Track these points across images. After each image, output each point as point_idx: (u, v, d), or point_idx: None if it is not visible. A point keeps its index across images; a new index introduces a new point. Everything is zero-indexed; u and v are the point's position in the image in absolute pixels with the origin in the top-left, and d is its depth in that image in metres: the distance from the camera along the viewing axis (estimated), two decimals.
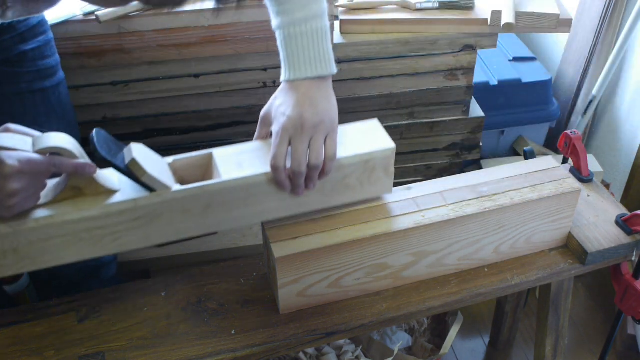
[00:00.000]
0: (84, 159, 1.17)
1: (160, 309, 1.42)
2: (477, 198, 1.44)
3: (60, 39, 1.67)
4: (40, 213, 1.17)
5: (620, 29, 2.27)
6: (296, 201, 1.34)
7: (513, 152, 2.51)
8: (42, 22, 1.50)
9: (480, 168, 2.26)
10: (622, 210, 1.61)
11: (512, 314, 2.08)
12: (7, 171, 1.06)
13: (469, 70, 2.12)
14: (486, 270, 1.51)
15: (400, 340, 2.06)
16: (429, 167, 2.30)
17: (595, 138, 2.50)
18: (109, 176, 1.23)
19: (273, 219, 1.36)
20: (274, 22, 1.26)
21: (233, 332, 1.37)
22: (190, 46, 1.88)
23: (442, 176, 2.24)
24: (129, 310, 1.41)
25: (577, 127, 2.41)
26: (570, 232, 1.55)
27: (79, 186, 1.20)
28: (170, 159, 1.30)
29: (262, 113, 1.33)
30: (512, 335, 2.18)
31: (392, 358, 1.91)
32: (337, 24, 2.01)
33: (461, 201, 1.44)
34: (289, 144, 1.22)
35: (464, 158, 2.30)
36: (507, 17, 1.94)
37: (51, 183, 1.22)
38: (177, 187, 1.23)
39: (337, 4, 2.02)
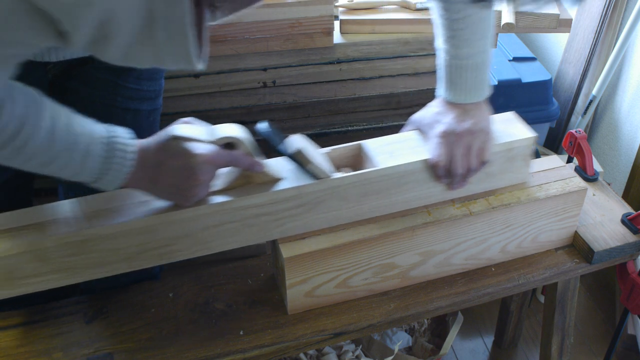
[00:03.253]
0: (254, 151, 1.26)
1: (168, 310, 1.41)
2: (484, 197, 1.44)
3: None
4: (214, 200, 1.24)
5: (620, 29, 2.27)
6: (442, 188, 1.42)
7: None
8: None
9: None
10: (628, 209, 1.61)
11: (517, 313, 2.08)
12: (198, 161, 1.15)
13: None
14: (493, 269, 1.51)
15: (400, 340, 2.05)
16: None
17: (595, 138, 2.51)
18: (274, 165, 1.31)
19: (421, 205, 1.43)
20: (441, 44, 1.34)
21: (241, 332, 1.36)
22: None
23: None
24: (136, 312, 1.41)
25: (577, 127, 2.42)
26: (576, 231, 1.55)
27: (249, 175, 1.28)
28: (325, 150, 1.38)
29: (415, 117, 1.44)
30: (517, 334, 2.18)
31: (392, 358, 1.91)
32: (337, 24, 2.01)
33: (468, 200, 1.43)
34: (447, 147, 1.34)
35: None
36: (507, 17, 1.95)
37: (224, 171, 1.29)
38: (337, 175, 1.31)
39: (337, 4, 2.02)
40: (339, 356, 1.99)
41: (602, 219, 1.59)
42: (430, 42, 2.01)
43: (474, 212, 1.40)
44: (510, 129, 1.44)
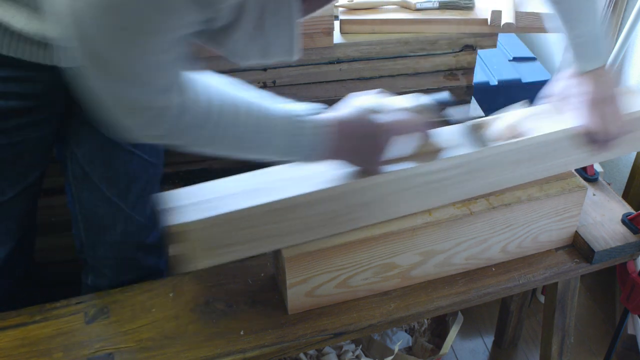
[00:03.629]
0: (432, 119, 1.33)
1: (169, 310, 1.41)
2: (485, 197, 1.44)
3: None
4: (392, 167, 1.31)
5: (620, 29, 2.27)
6: (585, 155, 1.47)
7: None
8: None
9: None
10: (628, 209, 1.61)
11: (517, 313, 2.09)
12: (391, 129, 1.25)
13: (469, 70, 2.12)
14: (493, 269, 1.51)
15: (400, 340, 2.05)
16: None
17: None
18: (444, 134, 1.38)
19: (565, 171, 1.50)
20: (559, 28, 1.43)
21: (242, 332, 1.36)
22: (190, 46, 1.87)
23: None
24: (137, 312, 1.41)
25: None
26: (576, 231, 1.55)
27: (426, 143, 1.34)
28: (480, 121, 1.44)
29: (546, 91, 1.52)
30: (517, 334, 2.18)
31: (392, 358, 1.91)
32: (337, 24, 2.01)
33: (469, 200, 1.43)
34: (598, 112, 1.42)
35: None
36: (507, 17, 1.94)
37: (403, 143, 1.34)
38: (499, 143, 1.38)
39: (337, 4, 2.01)
40: (339, 356, 1.99)
41: (602, 219, 1.59)
42: (431, 42, 2.02)
43: (474, 212, 1.40)
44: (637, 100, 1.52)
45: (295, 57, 1.10)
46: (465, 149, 1.35)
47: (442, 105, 1.34)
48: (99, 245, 1.52)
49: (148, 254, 1.57)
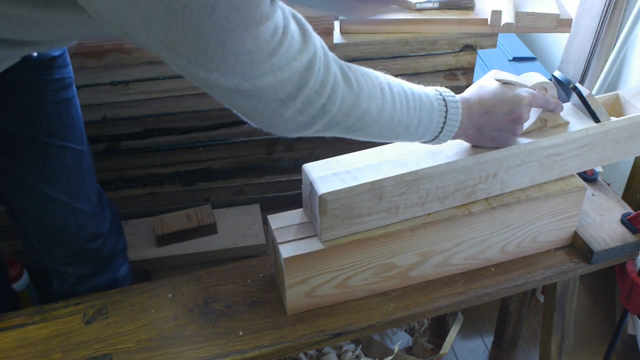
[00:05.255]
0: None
1: (167, 311, 1.41)
2: (484, 197, 1.44)
3: None
4: (520, 141, 1.38)
5: (620, 29, 2.27)
6: None
7: None
8: None
9: None
10: (627, 209, 1.61)
11: (516, 313, 2.08)
12: (524, 102, 1.30)
13: (469, 70, 2.12)
14: (492, 269, 1.51)
15: (400, 340, 2.05)
16: None
17: None
18: (565, 109, 1.44)
19: None
20: None
21: (241, 333, 1.36)
22: None
23: None
24: (135, 312, 1.41)
25: None
26: (575, 231, 1.55)
27: (545, 118, 1.41)
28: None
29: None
30: (517, 334, 2.18)
31: (392, 358, 1.90)
32: (337, 24, 2.01)
33: (468, 200, 1.43)
34: None
35: None
36: (507, 17, 1.94)
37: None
38: (614, 118, 1.46)
39: None
40: (338, 356, 1.99)
41: (602, 219, 1.59)
42: (431, 42, 2.02)
43: (473, 212, 1.40)
44: None
45: None
46: (586, 124, 1.43)
47: (565, 83, 1.42)
48: (56, 248, 1.53)
49: (105, 240, 1.59)
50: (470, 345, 2.27)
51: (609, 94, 1.58)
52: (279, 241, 1.33)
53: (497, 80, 1.32)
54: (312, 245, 1.33)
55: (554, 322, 1.69)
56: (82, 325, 1.38)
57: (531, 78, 1.37)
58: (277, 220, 1.38)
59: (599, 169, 2.15)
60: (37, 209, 1.47)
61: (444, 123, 1.24)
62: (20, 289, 1.95)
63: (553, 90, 1.40)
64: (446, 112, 1.23)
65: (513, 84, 1.32)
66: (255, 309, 1.41)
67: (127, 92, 1.93)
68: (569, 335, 1.73)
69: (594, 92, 2.31)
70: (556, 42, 2.68)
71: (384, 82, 1.15)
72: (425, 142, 1.29)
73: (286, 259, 1.30)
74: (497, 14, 1.95)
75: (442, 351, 1.92)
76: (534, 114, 1.40)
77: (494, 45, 2.06)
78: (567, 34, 2.47)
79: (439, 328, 2.09)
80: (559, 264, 1.52)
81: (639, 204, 2.15)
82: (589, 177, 1.66)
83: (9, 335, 1.36)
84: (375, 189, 1.29)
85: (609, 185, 1.71)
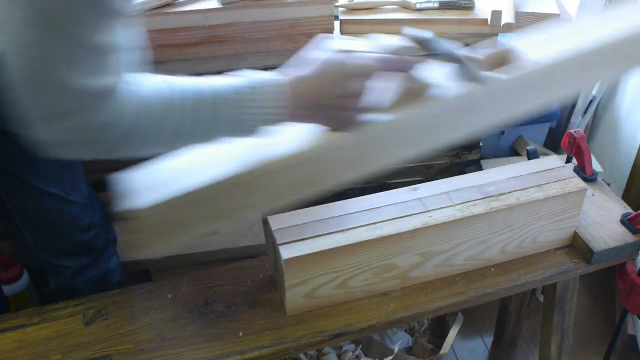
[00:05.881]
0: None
1: (167, 311, 1.41)
2: (484, 198, 1.44)
3: None
4: (380, 117, 1.18)
5: None
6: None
7: (513, 152, 2.50)
8: None
9: (481, 168, 2.26)
10: (627, 209, 1.61)
11: (516, 313, 2.08)
12: (366, 71, 1.10)
13: None
14: (492, 270, 1.51)
15: (400, 340, 2.05)
16: (429, 167, 2.30)
17: (595, 138, 2.51)
18: (433, 76, 1.23)
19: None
20: None
21: (240, 334, 1.36)
22: (190, 46, 1.87)
23: (442, 176, 2.25)
24: (135, 313, 1.41)
25: (577, 127, 2.41)
26: (575, 232, 1.55)
27: (410, 87, 1.20)
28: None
29: None
30: (516, 334, 2.18)
31: (392, 358, 1.90)
32: (337, 24, 2.01)
33: (468, 201, 1.43)
34: None
35: (464, 158, 2.29)
36: (507, 17, 1.94)
37: (382, 87, 1.20)
38: (501, 76, 1.24)
39: (337, 4, 2.02)
40: (338, 356, 1.99)
41: (602, 219, 1.59)
42: None
43: (473, 213, 1.40)
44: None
45: None
46: (458, 87, 1.22)
47: (424, 41, 1.17)
48: (52, 242, 1.55)
49: (98, 231, 1.61)
50: (470, 345, 2.27)
51: (499, 48, 1.32)
52: (279, 242, 1.33)
53: (339, 47, 1.12)
54: (312, 246, 1.33)
55: (553, 322, 1.70)
56: (81, 326, 1.38)
57: (382, 42, 1.17)
58: (277, 221, 1.38)
59: (599, 169, 2.15)
60: (33, 205, 1.48)
61: (260, 111, 1.07)
62: (20, 289, 1.95)
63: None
64: (262, 99, 1.06)
65: (351, 52, 1.12)
66: (255, 310, 1.41)
67: None
68: (569, 335, 1.73)
69: (594, 92, 2.31)
70: None
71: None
72: (247, 137, 1.10)
73: (286, 260, 1.30)
74: (497, 14, 1.95)
75: (442, 351, 1.92)
76: (395, 84, 1.20)
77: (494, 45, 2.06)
78: None
79: (439, 328, 2.09)
80: (559, 264, 1.52)
81: (639, 204, 2.15)
82: (589, 177, 1.66)
83: (8, 337, 1.35)
84: (200, 196, 1.13)
85: (609, 185, 1.71)
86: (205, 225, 1.17)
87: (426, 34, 1.17)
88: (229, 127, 1.07)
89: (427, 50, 1.17)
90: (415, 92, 1.21)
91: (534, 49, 1.30)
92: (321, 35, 1.17)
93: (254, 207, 1.19)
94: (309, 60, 1.12)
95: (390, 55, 1.14)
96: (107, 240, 1.67)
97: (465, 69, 1.20)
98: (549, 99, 1.37)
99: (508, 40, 1.33)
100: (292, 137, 1.17)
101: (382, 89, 1.17)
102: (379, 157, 1.24)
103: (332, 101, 1.11)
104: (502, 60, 1.27)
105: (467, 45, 1.99)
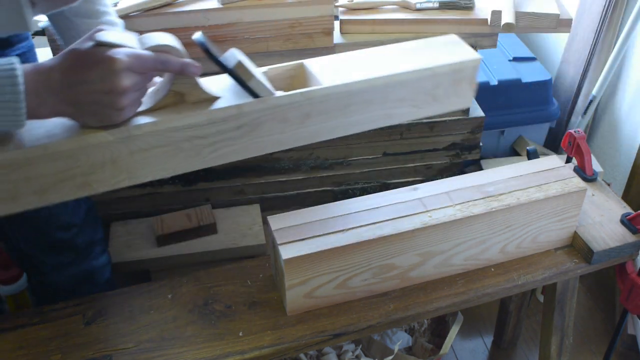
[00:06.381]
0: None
1: (167, 312, 1.41)
2: (484, 198, 1.44)
3: None
4: (142, 120, 1.08)
5: (620, 29, 2.27)
6: (385, 113, 1.27)
7: (513, 152, 2.51)
8: None
9: (481, 168, 2.26)
10: (627, 209, 1.61)
11: (516, 313, 2.08)
12: (118, 67, 0.99)
13: None
14: (492, 270, 1.51)
15: (400, 340, 2.05)
16: (429, 167, 2.29)
17: (595, 138, 2.51)
18: (210, 83, 1.16)
19: (364, 130, 1.28)
20: None
21: (241, 334, 1.36)
22: (190, 46, 1.87)
23: (442, 176, 2.25)
24: (135, 313, 1.41)
25: (577, 127, 2.41)
26: (575, 232, 1.55)
27: (181, 92, 1.11)
28: (263, 68, 1.23)
29: None
30: (516, 334, 2.18)
31: (392, 358, 1.91)
32: (337, 24, 2.00)
33: (468, 201, 1.43)
34: None
35: (464, 158, 2.29)
36: (507, 17, 1.94)
37: (151, 89, 1.14)
38: (280, 93, 1.16)
39: (337, 4, 2.01)
40: (338, 356, 1.99)
41: (602, 219, 1.59)
42: None
43: (473, 213, 1.40)
44: (456, 50, 1.31)
45: (31, 29, 1.04)
46: (235, 100, 1.13)
47: (202, 45, 1.06)
48: (31, 235, 1.55)
49: (80, 230, 1.60)
50: (470, 345, 2.27)
51: (293, 62, 1.27)
52: (279, 242, 1.33)
53: (95, 41, 1.02)
54: (312, 246, 1.33)
55: (553, 322, 1.70)
56: (81, 326, 1.38)
57: (150, 39, 1.08)
58: (277, 221, 1.38)
59: (599, 169, 2.15)
60: None
61: None
62: (19, 289, 1.94)
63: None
64: None
65: (110, 45, 1.02)
66: (255, 310, 1.41)
67: None
68: (569, 335, 1.73)
69: (594, 92, 2.31)
70: (556, 42, 2.68)
71: None
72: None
73: (286, 261, 1.30)
74: (497, 14, 1.95)
75: (442, 351, 1.92)
76: (164, 86, 1.12)
77: (494, 45, 2.06)
78: (567, 34, 2.48)
79: (439, 328, 2.09)
80: (559, 264, 1.52)
81: (639, 204, 2.15)
82: (588, 177, 1.66)
83: (8, 337, 1.35)
84: None
85: (609, 185, 1.71)
86: None
87: (198, 38, 1.08)
88: None
89: (208, 55, 1.08)
90: (190, 100, 1.13)
91: (330, 72, 1.23)
92: (101, 27, 1.07)
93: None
94: (75, 50, 1.03)
95: (150, 53, 1.05)
96: (91, 240, 1.65)
97: (238, 80, 1.11)
98: (340, 124, 1.26)
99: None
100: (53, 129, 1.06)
101: (141, 88, 1.08)
102: (145, 163, 1.13)
103: (96, 96, 1.02)
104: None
105: (470, 45, 2.00)
